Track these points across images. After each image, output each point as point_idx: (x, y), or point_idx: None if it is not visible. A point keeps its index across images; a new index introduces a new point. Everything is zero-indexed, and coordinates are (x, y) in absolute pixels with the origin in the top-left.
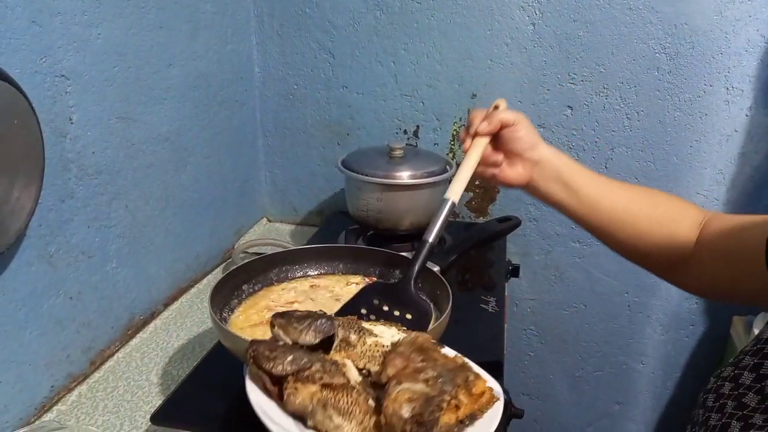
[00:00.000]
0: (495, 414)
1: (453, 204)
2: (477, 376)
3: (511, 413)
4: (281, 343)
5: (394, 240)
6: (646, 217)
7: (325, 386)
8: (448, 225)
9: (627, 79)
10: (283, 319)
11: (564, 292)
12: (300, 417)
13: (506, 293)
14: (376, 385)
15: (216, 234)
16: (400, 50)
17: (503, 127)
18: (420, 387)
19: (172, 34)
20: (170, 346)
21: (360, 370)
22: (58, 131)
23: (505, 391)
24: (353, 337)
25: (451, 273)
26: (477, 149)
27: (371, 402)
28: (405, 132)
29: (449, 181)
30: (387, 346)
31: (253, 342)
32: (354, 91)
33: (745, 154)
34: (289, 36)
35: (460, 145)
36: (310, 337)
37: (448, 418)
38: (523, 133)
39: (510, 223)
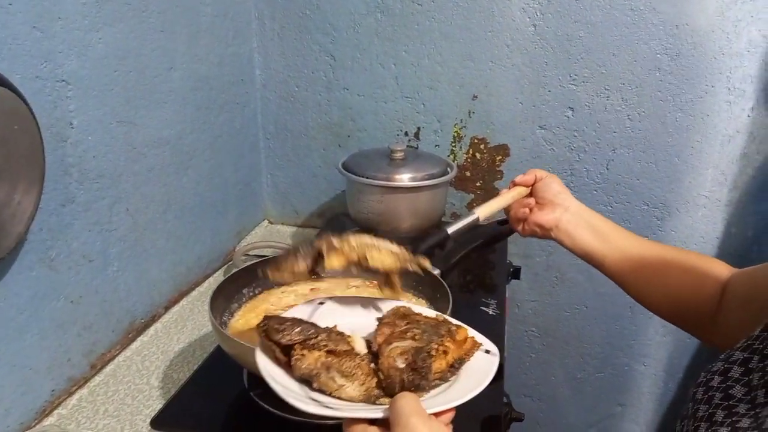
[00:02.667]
0: (491, 367)
1: (477, 218)
2: (458, 326)
3: (511, 417)
4: (290, 318)
5: (396, 242)
6: (676, 268)
7: (329, 352)
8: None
9: (628, 80)
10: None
11: (565, 294)
12: (306, 381)
13: (507, 295)
14: (375, 356)
15: (217, 236)
16: (401, 52)
17: (537, 180)
18: (409, 342)
19: (172, 37)
20: (171, 350)
21: (357, 265)
22: (59, 136)
23: (506, 395)
24: (335, 240)
25: (452, 275)
26: (513, 191)
27: (373, 366)
28: (406, 134)
29: (450, 183)
30: (370, 243)
31: (265, 317)
32: (355, 93)
33: (747, 155)
34: (290, 38)
35: (461, 147)
36: (301, 265)
37: (439, 363)
38: (555, 184)
39: (510, 226)
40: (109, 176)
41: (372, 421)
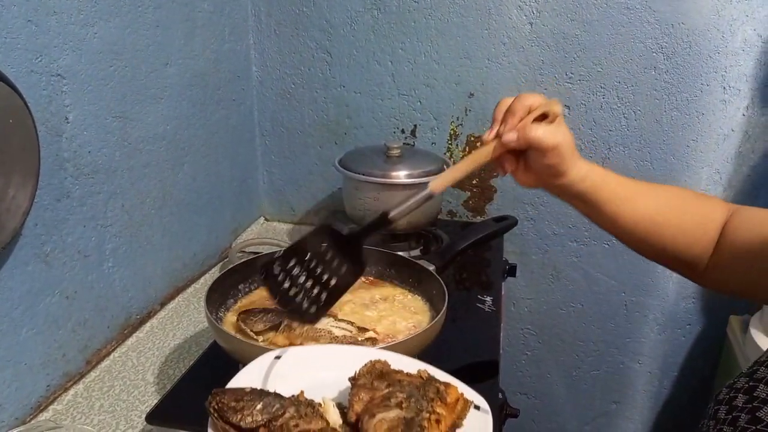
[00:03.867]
0: (485, 427)
1: (431, 194)
2: (446, 384)
3: (506, 413)
4: (247, 389)
5: (391, 239)
6: (673, 224)
7: None
8: (445, 224)
9: (624, 78)
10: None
11: (561, 292)
12: None
13: (503, 292)
14: (352, 427)
15: (213, 233)
16: (398, 50)
17: (533, 148)
18: (395, 413)
19: (169, 33)
20: (166, 346)
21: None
22: (54, 130)
23: (502, 391)
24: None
25: (447, 272)
26: (485, 154)
27: None
28: (402, 131)
29: None
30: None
31: (215, 393)
32: (351, 91)
33: (742, 154)
34: (287, 35)
35: (457, 145)
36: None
37: None
38: (553, 162)
39: (507, 223)
40: (104, 171)
41: None
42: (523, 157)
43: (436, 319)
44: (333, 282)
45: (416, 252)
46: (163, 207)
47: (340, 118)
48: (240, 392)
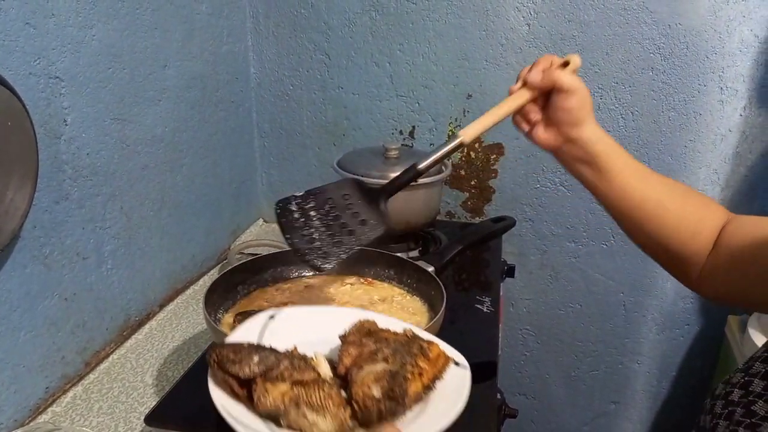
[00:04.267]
0: (463, 382)
1: (461, 143)
2: (429, 342)
3: (505, 413)
4: (245, 344)
5: (390, 240)
6: (675, 213)
7: (295, 383)
8: (443, 225)
9: (622, 79)
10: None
11: (560, 292)
12: (272, 418)
13: (501, 293)
14: (342, 379)
15: (212, 235)
16: (396, 51)
17: (555, 89)
18: (381, 366)
19: (167, 35)
20: (165, 348)
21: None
22: (53, 133)
23: (500, 391)
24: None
25: (446, 273)
26: (514, 101)
27: (344, 394)
28: (401, 132)
29: (445, 181)
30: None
31: (215, 345)
32: (350, 92)
33: (739, 154)
34: (285, 37)
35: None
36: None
37: (415, 386)
38: (573, 105)
39: (505, 223)
40: (103, 173)
41: None
42: (545, 110)
43: (434, 320)
44: (351, 232)
45: (415, 253)
46: (162, 209)
47: (339, 119)
48: (238, 346)
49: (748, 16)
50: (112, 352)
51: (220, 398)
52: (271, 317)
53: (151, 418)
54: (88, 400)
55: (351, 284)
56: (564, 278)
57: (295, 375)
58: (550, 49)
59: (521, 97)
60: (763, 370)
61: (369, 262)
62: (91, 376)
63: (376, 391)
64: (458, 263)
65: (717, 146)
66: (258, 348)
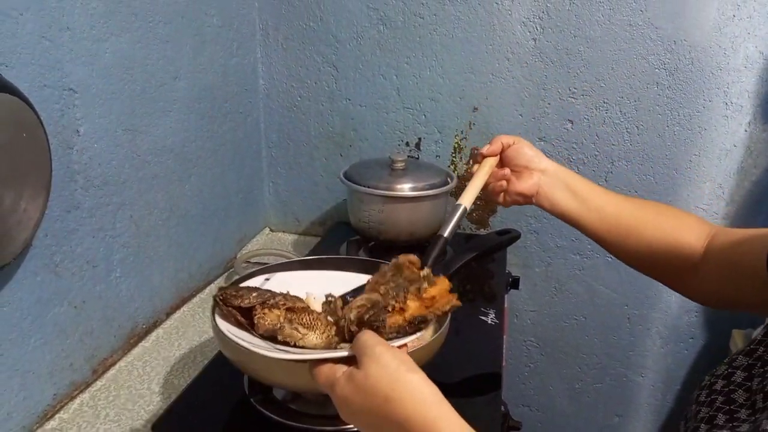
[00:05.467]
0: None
1: (465, 209)
2: (432, 284)
3: (508, 425)
4: (245, 286)
5: (396, 251)
6: (652, 224)
7: (288, 310)
8: None
9: (627, 93)
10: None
11: (564, 304)
12: (270, 338)
13: (506, 305)
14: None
15: (219, 244)
16: (403, 64)
17: (505, 147)
18: (375, 296)
19: (178, 47)
20: (172, 356)
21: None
22: (66, 143)
23: (504, 403)
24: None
25: (451, 284)
26: (485, 166)
27: (330, 319)
28: (407, 144)
29: (450, 193)
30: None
31: (220, 288)
32: (357, 104)
33: (744, 169)
34: (294, 49)
35: (461, 158)
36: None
37: (394, 319)
38: (526, 148)
39: (510, 236)
40: (113, 183)
41: (337, 361)
42: (508, 165)
43: (439, 332)
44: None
45: None
46: (170, 218)
47: (346, 130)
48: (239, 287)
49: (752, 33)
50: (119, 360)
51: (226, 327)
52: (267, 279)
53: (157, 427)
54: (95, 407)
55: None
56: (568, 290)
57: (289, 303)
58: (556, 64)
59: (487, 163)
60: (746, 362)
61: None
62: (99, 383)
63: (353, 315)
64: (463, 274)
65: (722, 161)
66: (256, 288)
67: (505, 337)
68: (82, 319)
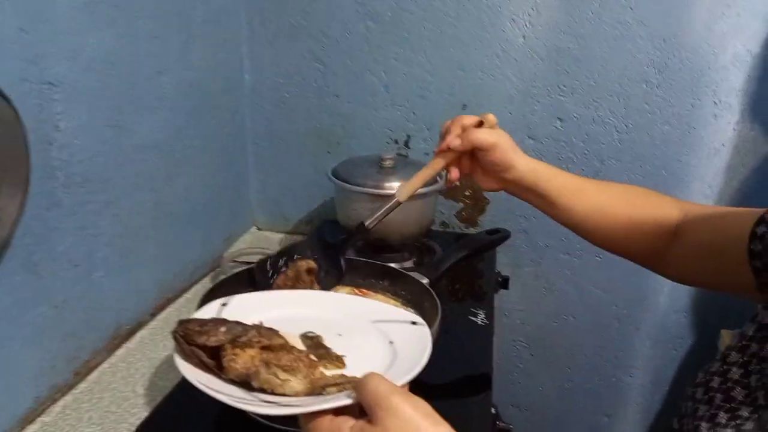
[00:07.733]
0: (425, 342)
1: (398, 202)
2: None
3: (498, 428)
4: (210, 318)
5: (384, 250)
6: (623, 212)
7: (264, 348)
8: (438, 236)
9: (616, 92)
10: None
11: (554, 304)
12: (244, 383)
13: (495, 305)
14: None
15: (205, 242)
16: (391, 60)
17: (476, 148)
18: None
19: (163, 42)
20: (157, 357)
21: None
22: (45, 139)
23: (494, 405)
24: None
25: (440, 284)
26: (439, 163)
27: (313, 357)
28: (396, 142)
29: (440, 192)
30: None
31: (180, 321)
32: (345, 101)
33: (732, 168)
34: (281, 45)
35: None
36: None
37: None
38: (497, 157)
39: (499, 235)
40: (96, 180)
41: (336, 411)
42: (476, 162)
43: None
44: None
45: (409, 263)
46: (156, 216)
47: (334, 127)
48: (204, 320)
49: (741, 32)
50: (102, 362)
51: (189, 370)
52: (224, 305)
53: (142, 429)
54: (78, 410)
55: (345, 294)
56: (558, 290)
57: (264, 341)
58: (546, 61)
59: (446, 157)
60: (740, 359)
61: (363, 273)
62: (82, 386)
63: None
64: (452, 274)
65: (710, 160)
66: (224, 321)
67: (494, 337)
68: (64, 320)
